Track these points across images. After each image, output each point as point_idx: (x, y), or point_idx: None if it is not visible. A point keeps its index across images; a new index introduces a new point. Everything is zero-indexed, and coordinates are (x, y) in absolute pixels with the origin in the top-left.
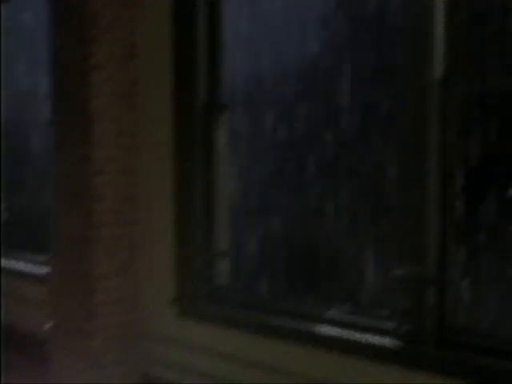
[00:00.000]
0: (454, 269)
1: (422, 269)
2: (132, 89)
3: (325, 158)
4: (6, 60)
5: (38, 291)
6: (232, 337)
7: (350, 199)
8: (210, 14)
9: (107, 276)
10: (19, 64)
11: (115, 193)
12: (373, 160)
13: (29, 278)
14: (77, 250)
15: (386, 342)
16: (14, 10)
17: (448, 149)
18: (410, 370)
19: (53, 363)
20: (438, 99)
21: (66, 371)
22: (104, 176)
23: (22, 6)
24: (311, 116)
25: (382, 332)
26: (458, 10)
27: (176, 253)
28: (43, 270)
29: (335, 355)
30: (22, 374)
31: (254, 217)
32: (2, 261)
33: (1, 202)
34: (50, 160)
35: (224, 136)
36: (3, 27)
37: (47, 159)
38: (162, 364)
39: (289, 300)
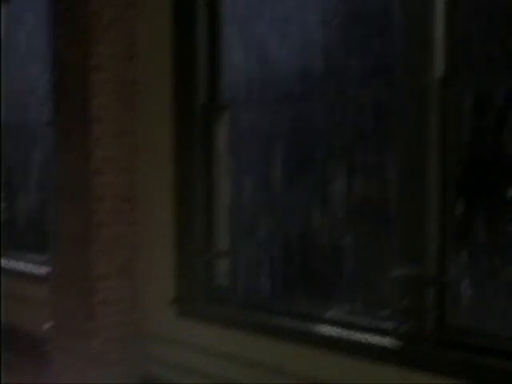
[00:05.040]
0: (453, 269)
1: (422, 269)
2: (132, 89)
3: (325, 158)
4: (5, 60)
5: (37, 291)
6: (232, 337)
7: (350, 199)
8: (210, 14)
9: (107, 276)
10: (19, 64)
11: (115, 193)
12: (373, 160)
13: (29, 278)
14: (77, 250)
15: (386, 342)
16: (14, 10)
17: (448, 149)
18: (410, 369)
19: (53, 363)
20: (438, 99)
21: (66, 371)
22: (104, 176)
23: (22, 6)
24: (311, 115)
25: (382, 332)
26: (458, 10)
27: (176, 253)
28: (43, 269)
29: (335, 355)
30: (22, 373)
31: (254, 216)
32: (2, 261)
33: (1, 202)
34: (50, 160)
35: (224, 136)
36: (3, 27)
37: (47, 159)
38: (162, 364)
39: (289, 300)
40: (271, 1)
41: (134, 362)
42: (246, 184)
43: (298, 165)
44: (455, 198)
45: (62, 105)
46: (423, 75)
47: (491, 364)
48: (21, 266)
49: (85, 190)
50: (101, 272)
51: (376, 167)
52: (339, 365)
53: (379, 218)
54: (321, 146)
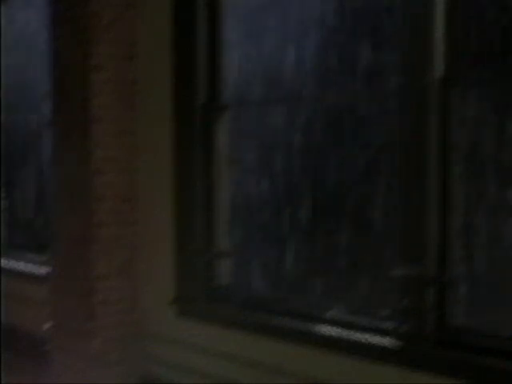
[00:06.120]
0: (453, 269)
1: (422, 269)
2: (132, 89)
3: (324, 158)
4: (5, 60)
5: (37, 291)
6: (232, 337)
7: (349, 198)
8: (210, 14)
9: (107, 276)
10: (19, 64)
11: (115, 193)
12: (373, 160)
13: (29, 278)
14: (77, 250)
15: (386, 342)
16: (14, 10)
17: (448, 149)
18: (409, 369)
19: (53, 363)
20: (437, 99)
21: (66, 371)
22: (104, 176)
23: (23, 6)
24: (311, 116)
25: (382, 332)
26: (458, 10)
27: (176, 253)
28: (43, 270)
29: (335, 355)
30: (22, 373)
31: (254, 216)
32: (2, 261)
33: (1, 201)
34: (49, 160)
35: (224, 136)
36: (3, 27)
37: (47, 159)
38: (162, 364)
39: (289, 300)
40: (271, 1)
41: (133, 362)
42: (246, 184)
43: (298, 164)
44: (455, 198)
45: (61, 105)
46: (423, 75)
47: (491, 364)
48: (21, 266)
49: (85, 190)
50: (101, 272)
51: (375, 166)
52: (339, 365)
53: (379, 217)
54: (320, 145)
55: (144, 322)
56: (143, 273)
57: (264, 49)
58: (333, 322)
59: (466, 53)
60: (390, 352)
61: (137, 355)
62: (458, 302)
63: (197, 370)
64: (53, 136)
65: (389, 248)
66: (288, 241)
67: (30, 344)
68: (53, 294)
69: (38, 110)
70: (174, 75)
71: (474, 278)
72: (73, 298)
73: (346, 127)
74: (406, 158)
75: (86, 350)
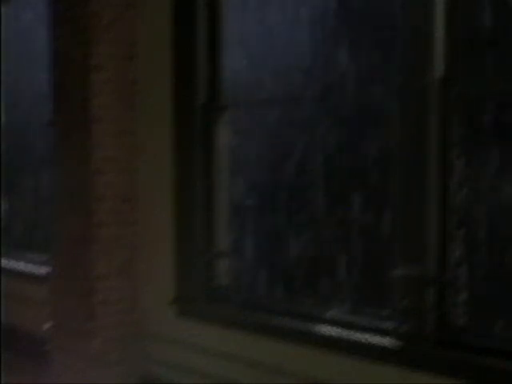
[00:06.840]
0: (453, 269)
1: (422, 269)
2: (132, 89)
3: (324, 157)
4: (5, 60)
5: (37, 291)
6: (232, 337)
7: (350, 198)
8: (210, 14)
9: (107, 276)
10: (19, 64)
11: (115, 193)
12: (373, 160)
13: (29, 278)
14: (77, 250)
15: (386, 342)
16: (14, 10)
17: (448, 149)
18: (409, 369)
19: (53, 363)
20: (437, 99)
21: (66, 371)
22: (104, 176)
23: (22, 6)
24: (310, 116)
25: (382, 332)
26: (458, 10)
27: (176, 253)
28: (43, 269)
29: (335, 355)
30: (22, 373)
31: (254, 216)
32: (2, 261)
33: (1, 201)
34: (50, 160)
35: (224, 136)
36: (3, 27)
37: (47, 159)
38: (162, 364)
39: (289, 300)
40: (271, 1)
41: (133, 362)
42: (246, 184)
43: (298, 165)
44: (455, 198)
45: (62, 105)
46: (423, 75)
47: (491, 364)
48: (21, 266)
49: (85, 190)
50: (101, 272)
51: (374, 166)
52: (339, 365)
53: (379, 218)
54: (320, 144)
55: (144, 321)
56: (143, 273)
57: (264, 48)
58: (333, 322)
59: (466, 53)
60: (390, 352)
61: (137, 355)
62: (458, 302)
63: (197, 369)
64: (53, 136)
65: (389, 248)
66: (288, 240)
67: (30, 344)
68: (53, 294)
69: (38, 110)
70: (174, 75)
71: (473, 278)
72: (73, 298)
73: (345, 127)
74: (406, 158)
75: (86, 350)
